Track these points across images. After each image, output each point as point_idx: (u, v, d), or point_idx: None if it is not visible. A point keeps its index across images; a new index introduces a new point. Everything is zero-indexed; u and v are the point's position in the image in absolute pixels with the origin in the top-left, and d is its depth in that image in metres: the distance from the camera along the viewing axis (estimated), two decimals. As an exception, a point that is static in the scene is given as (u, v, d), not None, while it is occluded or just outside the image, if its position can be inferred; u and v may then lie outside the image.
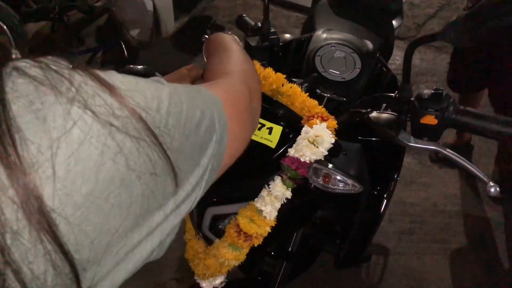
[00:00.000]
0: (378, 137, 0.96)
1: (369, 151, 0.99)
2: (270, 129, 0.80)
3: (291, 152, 0.79)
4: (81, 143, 0.28)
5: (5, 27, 2.10)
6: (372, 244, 1.91)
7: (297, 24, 3.32)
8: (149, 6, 2.56)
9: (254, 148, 0.81)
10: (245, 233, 0.80)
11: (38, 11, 2.49)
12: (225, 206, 0.85)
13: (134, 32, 2.63)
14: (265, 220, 0.80)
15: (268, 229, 0.81)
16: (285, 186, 0.80)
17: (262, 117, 0.80)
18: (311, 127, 0.78)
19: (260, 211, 0.79)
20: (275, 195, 0.79)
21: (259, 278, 1.05)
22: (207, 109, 0.40)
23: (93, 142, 0.29)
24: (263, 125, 0.80)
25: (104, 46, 2.17)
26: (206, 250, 0.87)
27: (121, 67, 1.90)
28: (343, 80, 1.04)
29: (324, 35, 1.14)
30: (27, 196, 0.26)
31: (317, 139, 0.75)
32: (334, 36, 1.13)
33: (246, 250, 0.82)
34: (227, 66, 0.57)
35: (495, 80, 1.94)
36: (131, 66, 1.99)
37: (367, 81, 1.08)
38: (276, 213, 0.80)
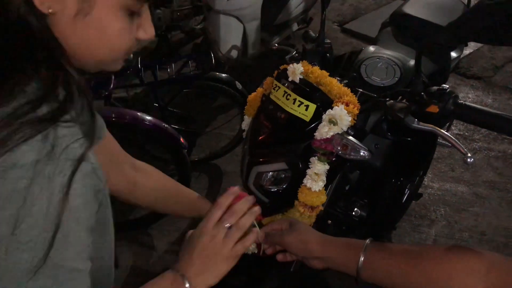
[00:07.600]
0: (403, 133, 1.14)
1: (399, 149, 1.18)
2: (307, 106, 1.02)
3: (317, 134, 1.01)
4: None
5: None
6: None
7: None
8: (240, 30, 2.97)
9: (292, 120, 1.04)
10: (309, 205, 1.04)
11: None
12: (267, 165, 1.09)
13: (224, 50, 3.03)
14: (317, 192, 1.02)
15: (323, 198, 1.04)
16: (321, 162, 1.02)
17: (303, 97, 1.03)
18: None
19: (310, 188, 1.02)
20: (317, 173, 1.02)
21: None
22: None
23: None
24: (301, 103, 1.03)
25: (196, 55, 2.59)
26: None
27: (208, 72, 2.24)
28: (382, 85, 1.24)
29: (373, 49, 1.35)
30: None
31: (335, 117, 0.97)
32: (381, 50, 1.34)
33: (314, 216, 1.07)
34: None
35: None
36: (217, 73, 2.33)
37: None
38: (324, 184, 1.02)
